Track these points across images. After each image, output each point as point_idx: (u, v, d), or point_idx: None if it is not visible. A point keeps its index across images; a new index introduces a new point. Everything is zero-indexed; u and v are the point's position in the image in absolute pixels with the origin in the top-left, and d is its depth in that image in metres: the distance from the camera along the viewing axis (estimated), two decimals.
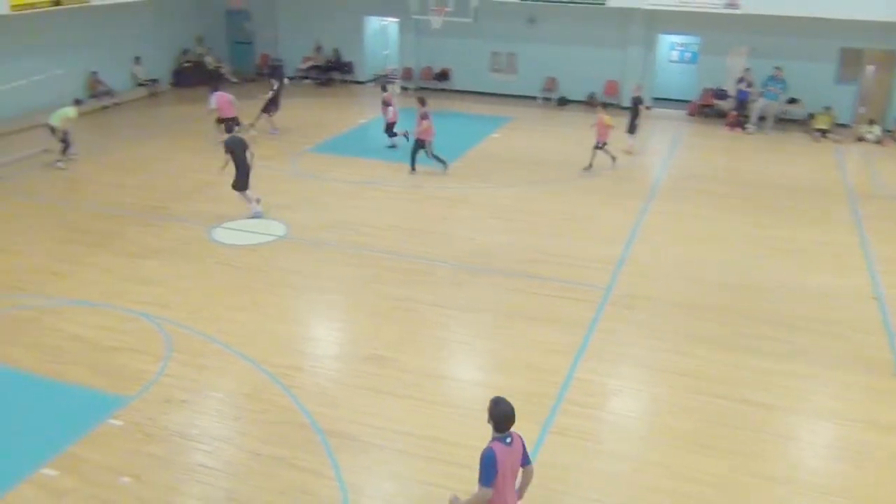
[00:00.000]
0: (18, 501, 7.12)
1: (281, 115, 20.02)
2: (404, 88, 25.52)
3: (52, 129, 16.48)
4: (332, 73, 26.29)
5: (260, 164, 17.15)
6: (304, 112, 22.30)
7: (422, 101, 16.75)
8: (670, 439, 8.18)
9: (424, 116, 16.42)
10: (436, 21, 21.30)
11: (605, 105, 17.51)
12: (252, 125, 19.32)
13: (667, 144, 19.97)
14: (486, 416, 5.62)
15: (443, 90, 25.23)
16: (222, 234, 13.35)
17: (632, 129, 18.52)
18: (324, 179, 16.39)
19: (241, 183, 13.87)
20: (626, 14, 22.35)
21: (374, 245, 13.02)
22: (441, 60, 25.33)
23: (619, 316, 10.77)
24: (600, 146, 17.03)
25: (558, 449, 7.95)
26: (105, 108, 22.09)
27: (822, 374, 9.47)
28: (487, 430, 5.66)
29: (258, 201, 14.10)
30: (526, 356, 9.72)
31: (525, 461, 5.77)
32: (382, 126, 18.54)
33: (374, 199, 15.37)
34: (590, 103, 23.69)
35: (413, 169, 16.66)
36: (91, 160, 17.29)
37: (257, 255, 12.62)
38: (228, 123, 16.26)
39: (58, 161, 16.62)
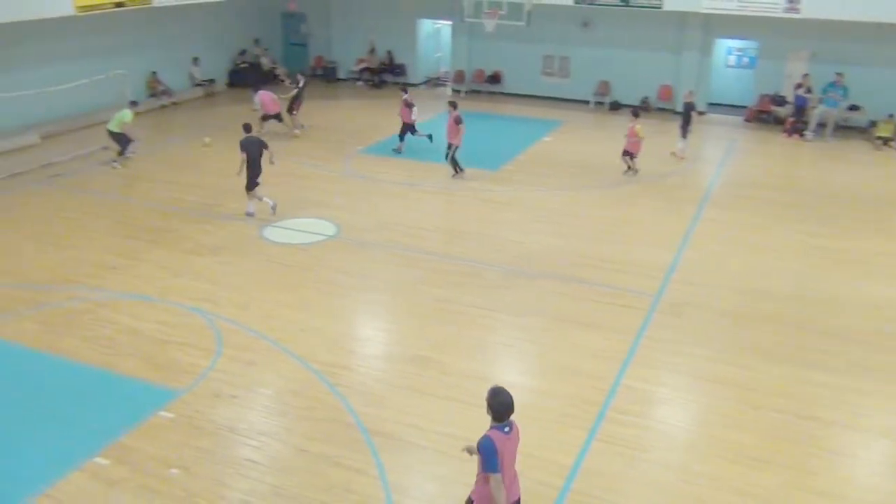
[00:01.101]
0: (71, 488, 7.32)
1: (334, 116, 20.25)
2: (456, 91, 25.59)
3: (112, 134, 16.93)
4: (384, 75, 26.49)
5: (312, 165, 17.41)
6: (356, 113, 22.52)
7: (454, 105, 16.67)
8: (719, 450, 8.03)
9: (459, 121, 16.34)
10: (489, 24, 21.30)
11: (639, 114, 17.05)
12: (299, 127, 19.67)
13: (721, 151, 19.62)
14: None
15: (494, 93, 25.25)
16: (274, 233, 13.54)
17: (684, 134, 18.22)
18: (374, 180, 16.51)
19: (249, 183, 14.02)
20: (683, 18, 22.05)
21: (422, 246, 13.07)
22: (493, 63, 25.32)
23: (668, 323, 10.61)
24: (628, 155, 16.75)
25: (604, 456, 7.87)
26: (163, 107, 22.62)
27: (878, 389, 9.19)
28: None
29: (273, 208, 14.14)
30: (572, 361, 9.64)
31: None
32: (399, 128, 18.48)
33: (424, 201, 15.43)
34: (642, 108, 23.45)
35: (461, 170, 16.63)
36: (148, 158, 17.70)
37: (307, 254, 12.77)
38: (272, 119, 16.97)
39: (114, 161, 17.06)
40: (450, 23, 25.67)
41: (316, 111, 21.85)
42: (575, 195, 15.84)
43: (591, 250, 13.05)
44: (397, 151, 18.30)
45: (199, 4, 22.32)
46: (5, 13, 16.26)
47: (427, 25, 26.84)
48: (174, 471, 7.57)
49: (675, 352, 9.93)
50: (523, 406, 8.72)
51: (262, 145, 13.99)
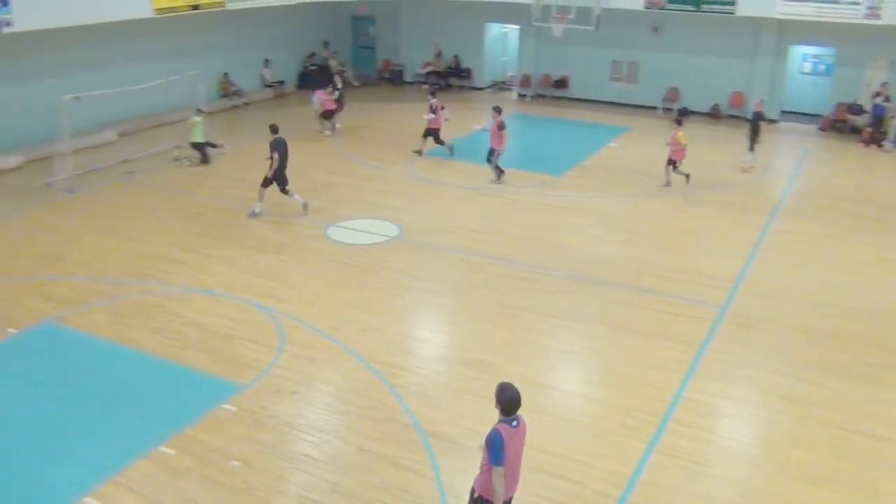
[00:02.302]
0: (137, 475, 7.55)
1: (399, 119, 20.43)
2: (522, 96, 25.53)
3: (197, 145, 17.52)
4: (450, 78, 26.60)
5: (375, 166, 17.59)
6: (441, 114, 22.63)
7: (498, 111, 16.56)
8: (783, 468, 7.81)
9: (502, 126, 16.25)
10: (557, 29, 21.22)
11: (681, 121, 16.55)
12: (324, 128, 20.38)
13: (794, 160, 19.08)
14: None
15: (561, 98, 25.08)
16: (338, 233, 13.72)
17: (751, 146, 17.69)
18: (438, 183, 16.58)
19: (267, 181, 14.22)
20: (757, 23, 21.53)
21: (483, 250, 13.06)
22: (560, 68, 25.16)
23: (734, 336, 10.37)
24: (672, 164, 16.31)
25: (664, 469, 7.73)
26: (234, 107, 23.16)
27: None
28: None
29: (305, 206, 14.44)
30: (633, 371, 9.50)
31: None
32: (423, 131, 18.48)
33: (486, 205, 15.42)
34: (712, 115, 23.01)
35: (501, 175, 16.53)
36: (218, 156, 18.11)
37: (370, 254, 12.90)
38: (329, 115, 17.66)
39: (185, 158, 17.60)
40: (517, 27, 25.62)
41: (381, 113, 22.09)
42: (639, 202, 15.62)
43: (654, 259, 12.84)
44: (418, 153, 18.39)
45: (271, 7, 22.81)
46: (87, 15, 16.93)
47: (494, 29, 26.85)
48: (236, 463, 7.73)
49: (740, 365, 9.69)
50: (581, 413, 8.67)
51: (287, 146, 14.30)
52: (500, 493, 5.78)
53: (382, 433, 8.23)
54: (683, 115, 22.95)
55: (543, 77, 25.49)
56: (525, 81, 25.66)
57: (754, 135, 17.59)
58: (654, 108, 23.70)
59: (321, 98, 20.32)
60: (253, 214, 14.37)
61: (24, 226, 14.00)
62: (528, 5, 21.94)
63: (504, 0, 22.86)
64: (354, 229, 13.91)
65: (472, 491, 6.13)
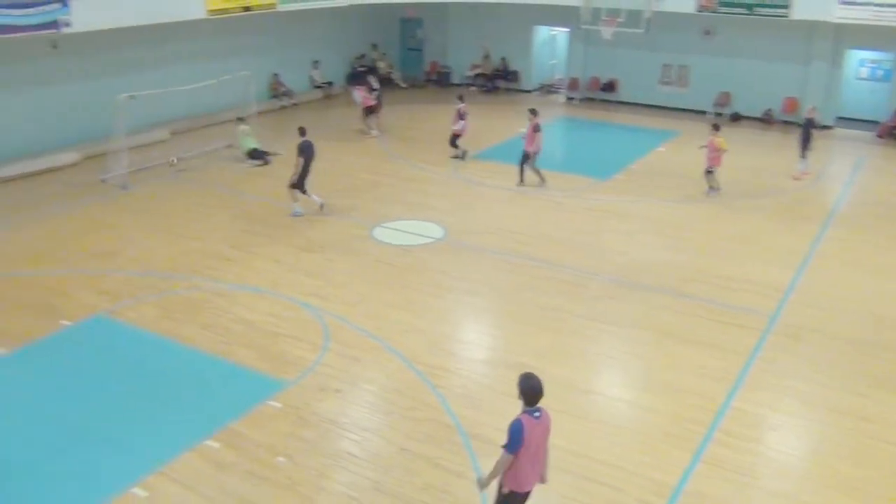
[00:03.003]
0: (184, 468, 7.68)
1: (445, 121, 20.40)
2: (570, 99, 25.38)
3: (252, 152, 17.89)
4: (497, 81, 26.56)
5: (421, 167, 17.64)
6: (469, 119, 22.62)
7: (534, 113, 16.39)
8: (832, 483, 7.62)
9: (537, 128, 16.11)
10: (606, 32, 21.05)
11: (719, 127, 16.11)
12: (370, 128, 20.54)
13: (849, 167, 18.63)
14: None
15: (609, 101, 24.87)
16: (383, 233, 13.80)
17: (803, 153, 17.26)
18: (483, 185, 16.56)
19: (299, 182, 14.36)
20: (811, 27, 21.08)
21: (527, 253, 13.01)
22: (609, 71, 24.95)
23: (784, 346, 10.15)
24: (710, 171, 15.91)
25: (709, 480, 7.60)
26: (283, 107, 23.44)
27: None
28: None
29: (322, 206, 14.61)
30: (678, 379, 9.37)
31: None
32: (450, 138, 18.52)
33: (531, 208, 15.36)
34: (765, 120, 22.60)
35: (540, 177, 16.42)
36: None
37: (415, 255, 12.94)
38: (371, 111, 17.94)
39: (251, 159, 17.99)
40: (566, 30, 25.48)
41: (427, 115, 22.15)
42: (688, 208, 15.40)
43: (702, 265, 12.65)
44: (458, 157, 18.39)
45: (321, 9, 23.04)
46: (143, 16, 17.33)
47: (543, 32, 26.74)
48: (280, 459, 7.82)
49: (789, 376, 9.48)
50: (625, 420, 8.58)
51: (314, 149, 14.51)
52: (496, 473, 5.96)
53: (424, 434, 8.25)
54: (735, 119, 22.72)
55: (591, 80, 25.29)
56: (573, 84, 25.50)
57: (805, 142, 17.17)
58: (705, 112, 23.33)
59: (361, 94, 20.60)
60: (295, 215, 14.52)
61: (79, 221, 14.37)
62: (577, 8, 21.80)
63: (553, 3, 22.74)
64: (399, 230, 13.97)
65: (500, 486, 6.17)
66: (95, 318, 10.69)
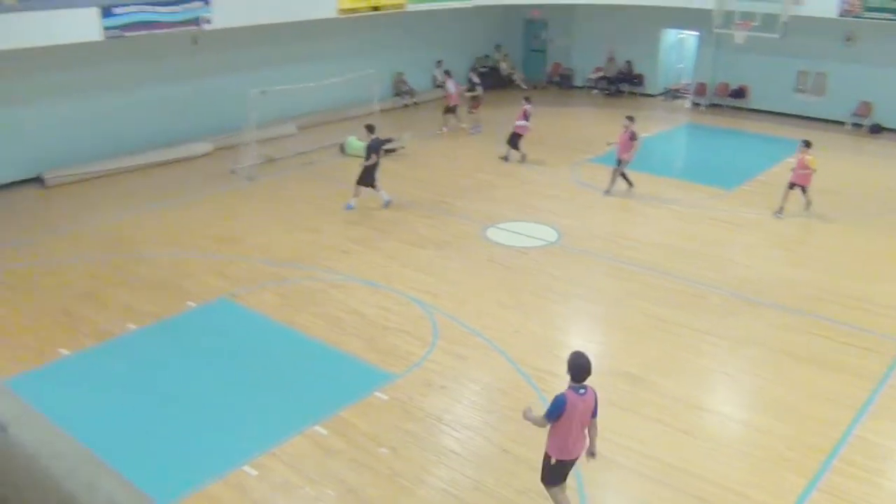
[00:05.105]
0: (293, 451, 7.96)
1: (566, 124, 20.31)
2: (696, 104, 24.60)
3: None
4: (621, 84, 26.07)
5: (539, 170, 17.58)
6: (589, 122, 22.39)
7: (631, 120, 15.77)
8: None
9: (633, 136, 15.56)
10: (739, 36, 20.29)
11: (810, 143, 14.68)
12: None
13: None
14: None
15: (738, 108, 23.92)
16: (496, 234, 13.83)
17: None
18: (601, 190, 16.28)
19: (366, 179, 14.59)
20: None
21: (642, 261, 12.71)
22: (739, 77, 23.99)
23: None
24: (800, 188, 14.61)
25: None
26: (406, 106, 23.88)
27: None
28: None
29: (387, 203, 14.81)
30: (798, 401, 8.91)
31: (594, 414, 6.52)
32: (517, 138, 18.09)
33: (648, 215, 15.00)
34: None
35: (629, 184, 15.93)
36: (388, 153, 18.72)
37: (527, 257, 12.89)
38: (450, 112, 20.05)
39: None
40: (696, 33, 24.69)
41: (548, 118, 21.97)
42: (818, 223, 14.62)
43: (830, 283, 11.98)
44: (507, 160, 18.15)
45: (447, 10, 23.30)
46: (278, 14, 18.07)
47: (670, 35, 26.03)
48: (384, 450, 7.97)
49: None
50: (736, 440, 8.25)
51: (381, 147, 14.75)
52: (531, 419, 6.59)
53: (527, 437, 8.19)
54: (875, 131, 21.37)
55: (720, 86, 24.41)
56: (700, 90, 24.69)
57: None
58: (842, 122, 22.07)
59: (457, 89, 20.79)
60: (349, 208, 14.83)
61: (209, 208, 15.14)
62: (709, 11, 21.08)
63: (685, 5, 22.08)
64: (513, 231, 13.96)
65: (548, 457, 6.53)
66: (219, 301, 11.24)
